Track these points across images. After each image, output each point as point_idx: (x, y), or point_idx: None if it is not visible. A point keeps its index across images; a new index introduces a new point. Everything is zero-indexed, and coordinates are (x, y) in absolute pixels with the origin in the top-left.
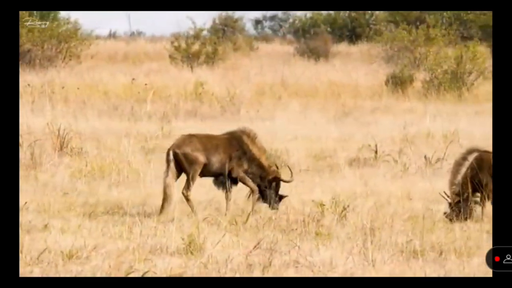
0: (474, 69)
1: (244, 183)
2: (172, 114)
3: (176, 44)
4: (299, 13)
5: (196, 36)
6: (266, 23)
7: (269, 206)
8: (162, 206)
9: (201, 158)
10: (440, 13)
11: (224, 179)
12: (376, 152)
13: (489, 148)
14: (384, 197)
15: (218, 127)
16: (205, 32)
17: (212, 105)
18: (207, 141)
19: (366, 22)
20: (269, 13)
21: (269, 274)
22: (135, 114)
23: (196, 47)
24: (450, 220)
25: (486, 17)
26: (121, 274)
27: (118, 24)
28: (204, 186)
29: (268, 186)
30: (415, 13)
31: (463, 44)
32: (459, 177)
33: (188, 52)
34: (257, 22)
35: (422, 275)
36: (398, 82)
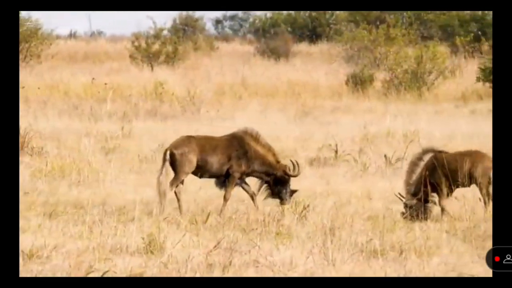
0: (434, 69)
1: (228, 183)
2: (132, 113)
3: (136, 43)
4: (259, 13)
5: (157, 35)
6: (226, 23)
7: (280, 202)
8: (161, 203)
9: (195, 160)
10: (400, 12)
11: (225, 179)
12: (336, 151)
13: (449, 147)
14: (344, 196)
15: (179, 127)
16: (165, 32)
17: (172, 104)
18: (205, 143)
19: (326, 22)
20: (229, 13)
21: (229, 273)
22: (95, 113)
23: (156, 46)
24: (410, 219)
25: (446, 17)
26: (81, 273)
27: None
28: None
29: (277, 182)
30: (375, 13)
31: (423, 44)
32: (414, 177)
33: (148, 51)
34: (218, 21)
35: (382, 275)
36: (358, 82)
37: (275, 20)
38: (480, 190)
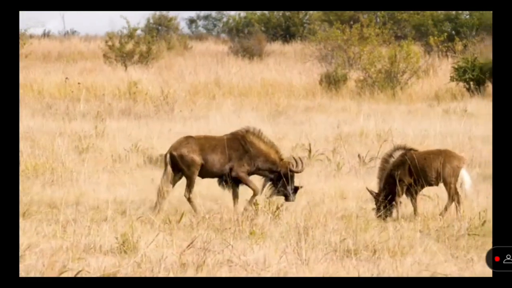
0: (408, 69)
1: (245, 183)
2: (106, 113)
3: (110, 43)
4: (233, 13)
5: (130, 35)
6: (200, 22)
7: (285, 199)
8: (155, 205)
9: (198, 159)
10: (373, 12)
11: (226, 179)
12: (310, 151)
13: (422, 147)
14: (318, 196)
15: (152, 127)
16: (139, 31)
17: (146, 104)
18: (205, 142)
19: (300, 21)
20: (203, 13)
21: (203, 273)
22: (69, 113)
23: (130, 46)
24: (382, 217)
25: (419, 16)
26: (54, 273)
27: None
28: (136, 185)
29: (281, 179)
30: (349, 13)
31: (397, 44)
32: (384, 174)
33: (122, 51)
34: (191, 21)
35: (356, 275)
36: (332, 81)
37: (249, 19)
38: (448, 189)
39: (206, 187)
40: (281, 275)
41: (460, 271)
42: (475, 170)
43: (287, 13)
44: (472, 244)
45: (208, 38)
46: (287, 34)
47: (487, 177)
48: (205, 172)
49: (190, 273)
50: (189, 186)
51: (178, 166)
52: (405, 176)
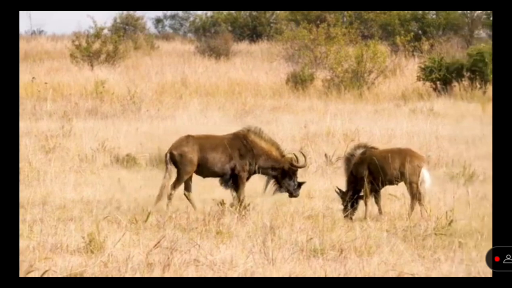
0: (375, 68)
1: (238, 184)
2: (72, 113)
3: (77, 42)
4: (199, 12)
5: (97, 35)
6: (167, 22)
7: (289, 195)
8: (156, 202)
9: (195, 159)
10: (340, 12)
11: (228, 179)
12: None
13: (388, 146)
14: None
15: (119, 126)
16: (106, 31)
17: (113, 104)
18: (205, 142)
19: (266, 21)
20: (170, 12)
21: (170, 273)
22: (36, 113)
23: (97, 46)
24: (349, 217)
25: (386, 16)
26: (21, 273)
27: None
28: (103, 185)
29: (284, 176)
30: (316, 12)
31: (363, 43)
32: (347, 173)
33: (88, 51)
34: (158, 21)
35: (322, 274)
36: (299, 81)
37: (216, 19)
38: (410, 188)
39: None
40: (248, 274)
41: (427, 271)
42: (442, 169)
43: (254, 12)
44: (439, 243)
45: (175, 37)
46: (253, 34)
47: (453, 177)
48: (206, 171)
49: (156, 272)
50: (178, 182)
51: (177, 164)
52: (365, 175)
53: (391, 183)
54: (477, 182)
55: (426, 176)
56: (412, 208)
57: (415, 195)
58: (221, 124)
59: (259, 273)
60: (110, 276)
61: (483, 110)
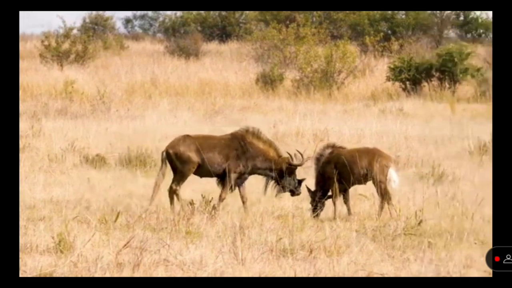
0: (344, 68)
1: (227, 182)
2: (42, 113)
3: (46, 42)
4: (169, 12)
5: (66, 35)
6: (136, 22)
7: (291, 195)
8: (150, 202)
9: (195, 158)
10: (310, 12)
11: (225, 179)
12: None
13: (357, 146)
14: (254, 195)
15: (88, 126)
16: (75, 31)
17: (82, 103)
18: (203, 141)
19: (236, 21)
20: (139, 12)
21: (139, 273)
22: None
23: (66, 46)
24: (315, 216)
25: (356, 16)
26: None
27: None
28: (72, 185)
29: (284, 176)
30: (285, 12)
31: (333, 43)
32: (316, 173)
33: (58, 51)
34: (127, 21)
35: (292, 274)
36: (268, 81)
37: (185, 19)
38: (378, 188)
39: (142, 186)
40: (217, 274)
41: (397, 270)
42: (411, 169)
43: (223, 12)
44: (408, 243)
45: (145, 37)
46: (223, 34)
47: (423, 177)
48: (204, 171)
49: (126, 272)
50: (179, 181)
51: (173, 164)
52: (333, 174)
53: (359, 182)
54: (446, 182)
55: (393, 176)
56: (381, 208)
57: (383, 195)
58: (191, 124)
59: (229, 273)
60: (80, 276)
61: (452, 110)
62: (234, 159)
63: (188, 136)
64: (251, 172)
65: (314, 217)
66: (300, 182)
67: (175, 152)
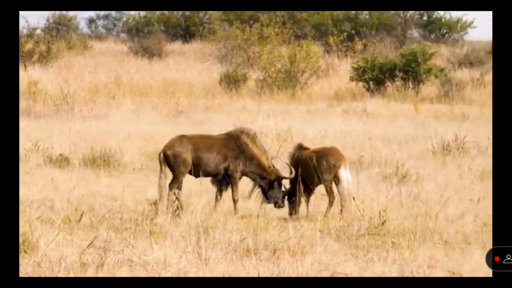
0: (308, 68)
1: (232, 185)
2: None
3: None
4: (132, 12)
5: (30, 35)
6: (100, 22)
7: (275, 206)
8: (159, 203)
9: (190, 159)
10: (273, 12)
11: (220, 179)
12: None
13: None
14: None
15: (52, 126)
16: (38, 31)
17: (46, 103)
18: (200, 141)
19: (199, 20)
20: (103, 12)
21: (103, 273)
22: None
23: (29, 46)
24: (291, 215)
25: (319, 16)
26: None
27: None
28: (36, 185)
29: (271, 186)
30: (249, 12)
31: (296, 43)
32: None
33: (21, 51)
34: (91, 21)
35: (256, 274)
36: (232, 81)
37: (149, 19)
38: (325, 188)
39: (106, 186)
40: (181, 274)
41: (360, 270)
42: (375, 169)
43: (187, 12)
44: (372, 243)
45: (108, 37)
46: (186, 34)
47: (387, 177)
48: (200, 171)
49: (90, 272)
50: (174, 182)
51: (170, 164)
52: (297, 176)
53: (320, 182)
54: (410, 182)
55: (343, 175)
56: (329, 206)
57: (328, 194)
58: (154, 124)
59: (193, 273)
60: (43, 276)
61: (415, 110)
62: (233, 159)
63: (184, 136)
64: (244, 173)
65: (290, 216)
66: (284, 195)
67: (172, 153)
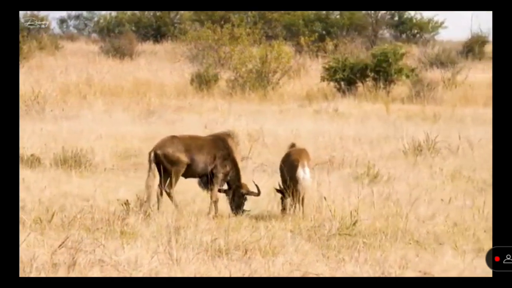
0: (279, 68)
1: (213, 184)
2: None
3: None
4: (103, 12)
5: None
6: (71, 22)
7: (232, 211)
8: (146, 203)
9: (184, 158)
10: (244, 12)
11: (207, 180)
12: None
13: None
14: (189, 195)
15: (23, 127)
16: None
17: None
18: (190, 142)
19: (171, 21)
20: (74, 12)
21: (75, 273)
22: None
23: None
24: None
25: (290, 16)
26: None
27: None
28: None
29: (238, 196)
30: (220, 13)
31: (268, 43)
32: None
33: None
34: (62, 21)
35: (227, 274)
36: (203, 81)
37: (120, 19)
38: (282, 185)
39: (77, 186)
40: (153, 275)
41: (332, 271)
42: (346, 170)
43: (158, 13)
44: (343, 243)
45: (79, 38)
46: (158, 34)
47: (358, 177)
48: (189, 172)
49: (61, 273)
50: (172, 183)
51: (163, 165)
52: (288, 175)
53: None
54: (381, 182)
55: (301, 174)
56: (293, 205)
57: (293, 195)
58: (125, 124)
59: (164, 273)
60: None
61: (387, 110)
62: (221, 160)
63: (175, 136)
64: (226, 176)
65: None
66: (244, 211)
67: (163, 153)
